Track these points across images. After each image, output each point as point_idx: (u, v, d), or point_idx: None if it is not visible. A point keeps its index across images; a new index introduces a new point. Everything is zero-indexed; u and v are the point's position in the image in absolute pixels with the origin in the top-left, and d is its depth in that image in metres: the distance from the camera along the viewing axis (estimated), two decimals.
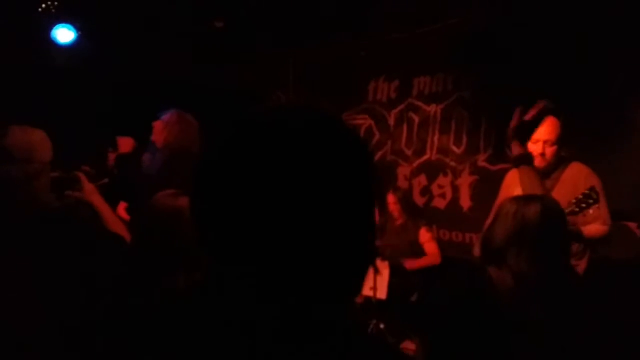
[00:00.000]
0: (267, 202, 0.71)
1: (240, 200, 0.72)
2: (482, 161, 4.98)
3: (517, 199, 2.19)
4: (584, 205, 2.99)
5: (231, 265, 0.74)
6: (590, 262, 3.37)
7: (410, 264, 4.59)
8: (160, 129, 3.45)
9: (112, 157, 3.49)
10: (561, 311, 1.95)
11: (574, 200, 3.03)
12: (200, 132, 3.53)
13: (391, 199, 4.81)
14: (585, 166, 3.36)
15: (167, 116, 3.49)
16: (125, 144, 3.43)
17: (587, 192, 3.00)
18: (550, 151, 3.27)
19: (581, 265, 3.31)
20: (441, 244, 4.86)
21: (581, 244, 3.23)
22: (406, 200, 4.91)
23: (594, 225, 3.20)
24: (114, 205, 3.74)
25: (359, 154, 0.79)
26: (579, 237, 3.13)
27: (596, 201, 2.99)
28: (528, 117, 3.25)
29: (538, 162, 3.30)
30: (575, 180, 3.28)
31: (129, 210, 3.63)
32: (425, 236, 4.73)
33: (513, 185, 3.52)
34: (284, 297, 0.73)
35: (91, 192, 2.41)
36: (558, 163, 3.34)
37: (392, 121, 5.73)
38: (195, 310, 0.76)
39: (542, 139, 3.27)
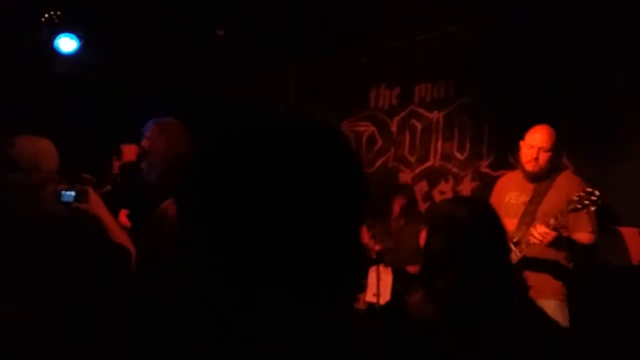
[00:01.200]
0: (249, 205, 0.72)
1: (223, 204, 0.73)
2: (484, 167, 4.99)
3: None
4: (586, 202, 3.07)
5: (211, 267, 0.75)
6: (590, 268, 3.41)
7: (414, 270, 4.59)
8: (156, 135, 3.45)
9: (116, 164, 3.50)
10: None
11: (575, 198, 3.12)
12: (195, 140, 3.53)
13: (395, 204, 4.82)
14: (576, 175, 3.53)
15: (161, 123, 3.50)
16: (130, 151, 3.44)
17: (589, 189, 3.08)
18: (543, 157, 3.40)
19: (572, 267, 3.39)
20: None
21: (570, 250, 3.31)
22: (409, 206, 4.93)
23: (582, 233, 3.30)
24: (116, 212, 3.76)
25: (345, 166, 0.79)
26: (565, 244, 3.24)
27: (598, 199, 3.05)
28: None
29: (531, 167, 3.44)
30: (568, 185, 3.38)
31: (130, 217, 3.64)
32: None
33: (505, 189, 3.59)
34: (263, 299, 0.73)
35: (97, 204, 2.43)
36: (551, 169, 3.46)
37: (394, 128, 5.74)
38: (180, 314, 0.77)
39: (537, 145, 3.39)
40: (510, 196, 3.53)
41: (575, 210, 3.12)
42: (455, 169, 5.22)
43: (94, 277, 1.96)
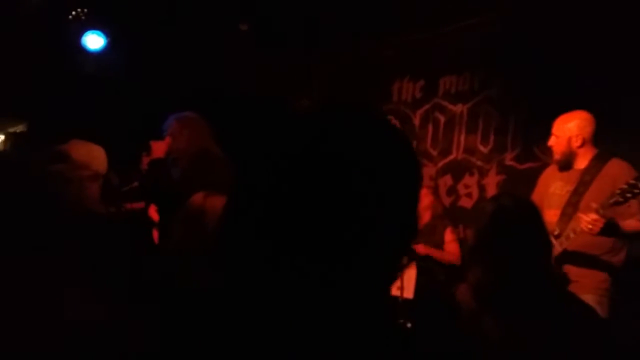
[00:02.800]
0: (328, 193, 0.72)
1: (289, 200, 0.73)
2: (509, 160, 4.94)
3: (484, 200, 2.08)
4: (628, 195, 2.96)
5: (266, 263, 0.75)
6: (628, 259, 3.33)
7: (431, 251, 4.60)
8: (178, 131, 3.49)
9: (145, 160, 3.55)
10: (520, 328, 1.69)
11: (617, 191, 3.00)
12: (215, 135, 3.56)
13: (424, 200, 4.81)
14: (624, 162, 3.34)
15: (183, 118, 3.53)
16: (159, 148, 3.49)
17: (632, 181, 2.97)
18: (553, 142, 3.41)
19: (616, 261, 3.28)
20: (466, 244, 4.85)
21: (619, 238, 3.20)
22: (435, 201, 4.94)
23: (632, 220, 3.16)
24: (145, 207, 3.82)
25: (404, 148, 0.81)
26: (616, 231, 3.10)
27: None
28: None
29: (554, 154, 3.44)
30: (614, 174, 3.25)
31: (158, 211, 3.69)
32: (449, 236, 4.73)
33: (550, 178, 3.54)
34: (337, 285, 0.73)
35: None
36: (597, 159, 3.35)
37: (417, 121, 5.71)
38: (220, 309, 0.77)
39: (555, 133, 3.40)
40: (555, 186, 3.45)
41: (617, 203, 2.98)
42: (479, 162, 5.17)
43: (125, 271, 1.99)
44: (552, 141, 3.43)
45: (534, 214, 1.90)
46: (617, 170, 3.26)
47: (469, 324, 1.76)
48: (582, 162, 3.37)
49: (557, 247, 3.22)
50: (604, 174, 3.28)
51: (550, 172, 3.61)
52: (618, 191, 2.99)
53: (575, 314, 1.79)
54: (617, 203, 3.00)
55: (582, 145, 3.35)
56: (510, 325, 1.69)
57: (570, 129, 3.35)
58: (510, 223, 1.83)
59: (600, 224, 3.01)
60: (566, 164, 3.42)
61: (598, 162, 3.33)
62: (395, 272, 0.82)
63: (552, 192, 3.45)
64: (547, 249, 1.94)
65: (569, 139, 3.36)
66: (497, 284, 1.76)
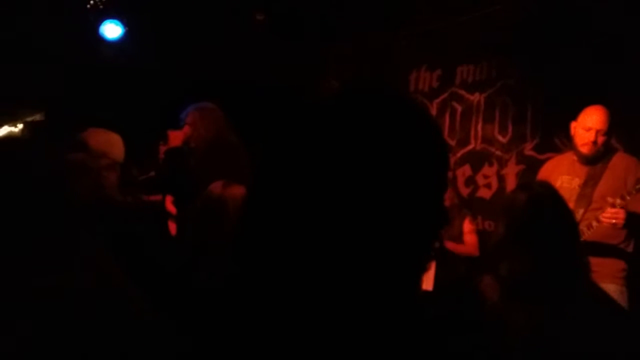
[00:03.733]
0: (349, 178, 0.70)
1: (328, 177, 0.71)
2: (528, 150, 4.89)
3: (511, 192, 2.09)
4: None
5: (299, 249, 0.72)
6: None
7: (449, 245, 4.57)
8: (198, 121, 3.49)
9: (162, 150, 3.56)
10: (556, 321, 1.67)
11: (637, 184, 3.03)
12: (232, 125, 3.56)
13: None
14: (631, 156, 3.40)
15: (201, 108, 3.53)
16: (176, 137, 3.49)
17: None
18: (602, 140, 3.29)
19: (630, 249, 3.31)
20: (487, 235, 4.81)
21: (633, 226, 3.19)
22: (453, 192, 4.90)
23: None
24: (162, 199, 3.82)
25: (431, 134, 0.78)
26: (633, 219, 3.11)
27: None
28: None
29: (587, 150, 3.33)
30: (624, 166, 3.30)
31: (175, 202, 3.69)
32: (467, 227, 4.70)
33: (555, 172, 3.51)
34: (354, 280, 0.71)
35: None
36: (606, 151, 3.36)
37: (434, 111, 5.67)
38: (234, 300, 0.75)
39: (594, 127, 3.29)
40: (562, 180, 3.44)
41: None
42: (498, 152, 5.13)
43: (137, 256, 1.99)
44: (592, 137, 3.29)
45: (564, 202, 1.90)
46: (626, 163, 3.32)
47: (494, 315, 1.74)
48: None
49: None
50: (613, 166, 3.32)
51: (553, 166, 3.61)
52: (638, 186, 3.01)
53: (601, 305, 1.78)
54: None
55: None
56: (541, 315, 1.67)
57: (610, 124, 3.30)
58: (547, 210, 1.82)
59: (622, 215, 3.04)
60: (595, 160, 3.35)
61: (605, 155, 3.35)
62: (426, 262, 0.79)
63: (559, 185, 3.40)
64: (578, 235, 1.93)
65: (611, 134, 3.33)
66: (533, 273, 1.74)
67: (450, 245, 4.60)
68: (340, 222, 0.70)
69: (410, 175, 0.73)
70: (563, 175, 3.46)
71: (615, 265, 3.26)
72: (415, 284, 0.79)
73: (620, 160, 3.34)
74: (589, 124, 3.31)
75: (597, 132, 3.28)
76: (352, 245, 0.71)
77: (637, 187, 3.05)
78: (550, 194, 1.90)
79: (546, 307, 1.68)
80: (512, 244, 1.79)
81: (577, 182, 3.39)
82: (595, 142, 3.28)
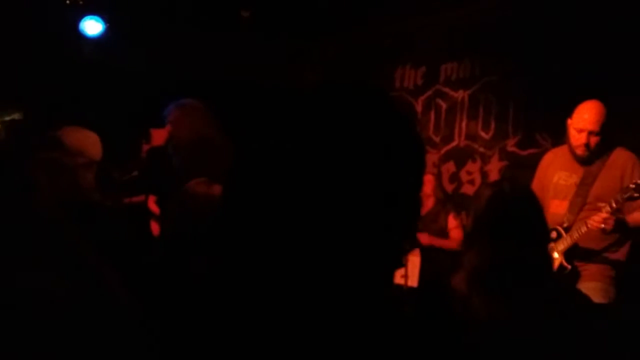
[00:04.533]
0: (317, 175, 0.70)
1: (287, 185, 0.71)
2: (511, 146, 4.93)
3: (482, 185, 2.12)
4: None
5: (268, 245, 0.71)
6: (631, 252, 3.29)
7: (434, 241, 4.57)
8: (180, 119, 3.45)
9: (145, 148, 3.51)
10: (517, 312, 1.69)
11: (632, 186, 2.97)
12: (217, 122, 3.53)
13: (427, 186, 4.78)
14: (628, 151, 3.28)
15: (184, 106, 3.50)
16: (159, 136, 3.45)
17: None
18: (594, 141, 3.17)
19: (621, 254, 3.24)
20: None
21: (623, 232, 3.16)
22: (437, 187, 4.92)
23: (636, 213, 3.12)
24: (144, 197, 3.78)
25: (406, 130, 0.77)
26: (622, 226, 3.07)
27: None
28: None
29: (581, 152, 3.22)
30: (621, 163, 3.21)
31: (158, 202, 3.66)
32: (452, 222, 4.72)
33: (552, 167, 3.46)
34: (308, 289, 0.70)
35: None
36: (602, 149, 3.23)
37: (419, 108, 5.68)
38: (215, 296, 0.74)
39: (586, 129, 3.16)
40: (559, 176, 3.34)
41: (632, 199, 2.97)
42: (481, 149, 5.16)
43: (119, 257, 1.96)
44: (584, 138, 3.17)
45: (532, 202, 1.91)
46: (624, 160, 3.21)
47: (461, 308, 1.76)
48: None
49: (568, 240, 3.19)
50: (610, 164, 3.22)
51: (551, 160, 3.49)
52: (632, 186, 2.96)
53: (568, 300, 1.80)
54: (631, 198, 2.98)
55: None
56: (500, 308, 1.69)
57: (605, 122, 3.16)
58: (507, 209, 1.85)
59: (612, 222, 3.00)
60: (590, 160, 3.23)
61: (604, 152, 3.23)
62: (400, 258, 0.78)
63: (556, 181, 3.35)
64: (543, 236, 1.94)
65: (605, 133, 3.18)
66: (489, 267, 1.76)
67: (436, 241, 4.60)
68: (312, 217, 0.70)
69: (384, 171, 0.72)
70: (561, 171, 3.35)
71: (603, 268, 3.20)
72: (386, 279, 0.79)
73: (618, 157, 3.22)
74: (580, 125, 3.17)
75: (589, 133, 3.15)
76: (325, 239, 0.70)
77: (626, 195, 2.98)
78: (516, 191, 1.93)
79: (506, 301, 1.70)
80: (474, 238, 1.84)
81: (574, 179, 3.28)
82: (587, 144, 3.16)
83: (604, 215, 3.01)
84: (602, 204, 3.06)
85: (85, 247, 1.70)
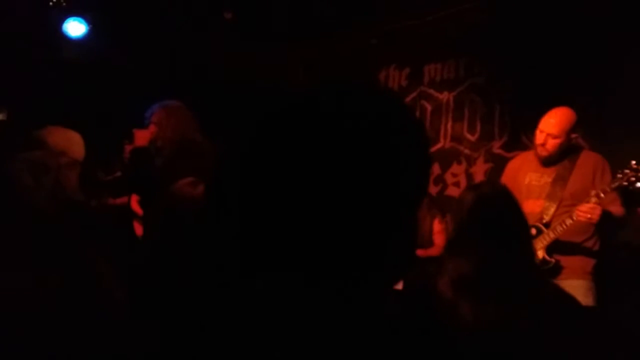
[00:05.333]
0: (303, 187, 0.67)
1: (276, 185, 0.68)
2: (497, 148, 4.94)
3: (464, 188, 2.12)
4: (633, 179, 3.01)
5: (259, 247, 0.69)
6: (608, 247, 3.36)
7: (422, 253, 4.55)
8: (164, 120, 3.45)
9: (127, 149, 3.50)
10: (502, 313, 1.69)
11: (619, 175, 3.05)
12: (198, 123, 3.52)
13: None
14: (596, 153, 3.43)
15: (168, 106, 3.49)
16: (142, 136, 3.43)
17: (635, 165, 3.00)
18: (551, 143, 3.31)
19: (597, 246, 3.34)
20: None
21: (605, 223, 3.21)
22: None
23: (616, 206, 3.22)
24: (127, 198, 3.75)
25: (415, 136, 0.74)
26: (608, 217, 3.13)
27: None
28: None
29: (539, 151, 3.37)
30: (592, 164, 3.32)
31: (141, 203, 3.63)
32: (437, 227, 4.71)
33: (522, 170, 3.53)
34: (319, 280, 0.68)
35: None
36: (569, 150, 3.37)
37: None
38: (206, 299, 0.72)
39: (545, 131, 3.32)
40: (530, 177, 3.45)
41: (621, 187, 3.04)
42: (467, 151, 5.16)
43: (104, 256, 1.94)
44: (543, 139, 3.33)
45: (512, 201, 1.92)
46: (593, 161, 3.34)
47: (446, 313, 1.75)
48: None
49: (550, 235, 3.25)
50: (580, 165, 3.34)
51: (520, 164, 3.60)
52: (619, 175, 3.02)
53: (557, 301, 1.79)
54: (621, 187, 3.05)
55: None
56: (489, 313, 1.68)
57: (570, 129, 3.31)
58: (489, 212, 1.85)
59: (599, 212, 3.05)
60: (554, 161, 3.38)
61: (571, 153, 3.38)
62: (401, 268, 0.75)
63: (528, 183, 3.45)
64: (526, 235, 1.96)
65: (568, 140, 3.33)
66: (477, 274, 1.75)
67: (420, 252, 4.55)
68: (298, 225, 0.67)
69: (388, 177, 0.69)
70: (531, 173, 3.47)
71: (584, 262, 3.29)
72: (384, 284, 0.76)
73: (587, 158, 3.36)
74: (541, 126, 3.34)
75: (547, 135, 3.30)
76: (313, 252, 0.68)
77: (613, 185, 3.06)
78: (498, 194, 1.92)
79: (492, 306, 1.68)
80: (458, 244, 1.82)
81: (545, 179, 3.40)
82: (544, 145, 3.32)
83: (591, 205, 3.06)
84: (593, 193, 3.11)
85: (74, 245, 1.69)
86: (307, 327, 0.67)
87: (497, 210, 1.85)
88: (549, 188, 3.36)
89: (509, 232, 1.84)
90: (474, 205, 1.83)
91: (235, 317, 0.68)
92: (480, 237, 1.79)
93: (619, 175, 3.05)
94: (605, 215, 3.11)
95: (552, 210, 3.30)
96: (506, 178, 3.58)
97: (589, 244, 3.32)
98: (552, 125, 3.30)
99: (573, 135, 3.37)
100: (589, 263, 3.30)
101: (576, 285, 3.07)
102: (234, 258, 0.71)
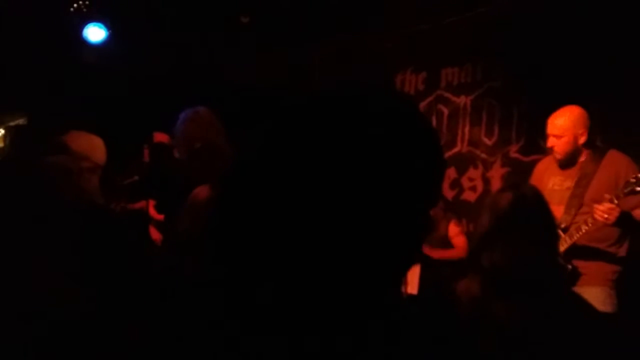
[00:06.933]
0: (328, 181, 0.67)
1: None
2: (514, 152, 4.90)
3: (497, 190, 2.18)
4: None
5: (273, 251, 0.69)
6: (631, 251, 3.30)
7: (436, 254, 4.54)
8: (179, 125, 3.48)
9: (147, 153, 3.54)
10: (540, 315, 1.73)
11: (632, 180, 2.96)
12: (223, 128, 3.55)
13: None
14: (622, 153, 3.32)
15: (187, 112, 3.52)
16: (161, 139, 3.47)
17: None
18: (558, 144, 3.28)
19: (621, 252, 3.26)
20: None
21: (624, 229, 3.16)
22: None
23: (637, 210, 3.12)
24: (145, 203, 3.79)
25: (427, 141, 0.75)
26: (629, 220, 3.06)
27: None
28: None
29: (554, 155, 3.35)
30: (616, 166, 3.23)
31: (158, 207, 3.67)
32: (454, 230, 4.69)
33: (546, 174, 3.49)
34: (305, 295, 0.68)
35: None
36: (591, 151, 3.30)
37: None
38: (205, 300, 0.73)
39: (550, 133, 3.30)
40: (553, 182, 3.40)
41: (633, 193, 2.96)
42: (484, 155, 5.13)
43: (121, 264, 1.96)
44: (551, 142, 3.31)
45: (547, 203, 1.99)
46: (617, 162, 3.24)
47: (473, 312, 1.79)
48: (581, 157, 3.34)
49: (567, 240, 3.20)
50: (604, 166, 3.25)
51: (545, 166, 3.55)
52: (633, 180, 2.96)
53: (575, 306, 1.85)
54: (632, 193, 2.97)
55: (587, 141, 3.31)
56: (522, 309, 1.74)
57: (575, 126, 3.26)
58: (531, 208, 1.92)
59: (616, 213, 2.97)
60: (571, 162, 3.34)
61: (596, 155, 3.30)
62: (405, 268, 0.76)
63: (551, 188, 3.39)
64: (557, 237, 2.10)
65: (576, 137, 3.27)
66: (514, 263, 1.81)
67: (436, 253, 4.54)
68: (311, 224, 0.68)
69: (401, 181, 0.70)
70: (555, 177, 3.41)
71: (604, 268, 3.21)
72: (392, 285, 0.77)
73: (611, 160, 3.27)
74: (547, 130, 3.32)
75: (552, 137, 3.28)
76: (323, 250, 0.68)
77: (627, 190, 2.98)
78: (534, 194, 1.99)
79: (526, 301, 1.75)
80: (495, 237, 1.86)
81: (568, 184, 3.33)
82: (552, 148, 3.30)
83: (608, 205, 2.98)
84: (608, 196, 3.05)
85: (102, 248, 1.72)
86: (317, 332, 0.68)
87: (536, 210, 1.93)
88: (570, 192, 3.29)
89: (546, 232, 1.92)
90: (514, 204, 1.89)
91: (246, 320, 0.68)
92: (520, 237, 1.85)
93: (632, 180, 2.98)
94: (629, 218, 3.04)
95: (570, 215, 3.25)
96: (534, 181, 3.52)
97: (613, 249, 3.23)
98: (554, 125, 3.27)
99: (579, 132, 3.28)
100: (610, 269, 3.22)
101: (594, 292, 3.01)
102: (243, 263, 0.71)
